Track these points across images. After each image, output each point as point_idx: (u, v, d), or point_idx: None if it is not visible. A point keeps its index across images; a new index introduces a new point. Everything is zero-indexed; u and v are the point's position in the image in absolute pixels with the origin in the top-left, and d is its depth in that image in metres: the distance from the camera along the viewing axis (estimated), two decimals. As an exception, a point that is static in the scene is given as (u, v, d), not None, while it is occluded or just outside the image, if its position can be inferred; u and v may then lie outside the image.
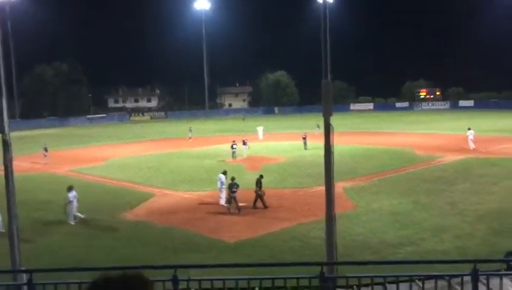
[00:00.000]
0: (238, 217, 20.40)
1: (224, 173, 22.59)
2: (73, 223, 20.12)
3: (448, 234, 17.04)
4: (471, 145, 36.55)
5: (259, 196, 21.56)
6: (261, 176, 22.22)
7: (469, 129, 37.61)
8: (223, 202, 21.94)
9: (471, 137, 37.00)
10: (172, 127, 71.37)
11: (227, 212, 20.92)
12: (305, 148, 39.37)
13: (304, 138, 40.49)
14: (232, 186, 20.99)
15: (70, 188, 20.84)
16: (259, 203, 21.60)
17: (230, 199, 20.97)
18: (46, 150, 38.31)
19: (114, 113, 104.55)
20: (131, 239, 17.91)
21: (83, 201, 24.25)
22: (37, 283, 7.24)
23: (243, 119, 77.77)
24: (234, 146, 36.59)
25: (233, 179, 21.41)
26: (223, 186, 22.12)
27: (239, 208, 20.83)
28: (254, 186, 21.78)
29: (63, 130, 76.45)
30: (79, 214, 20.53)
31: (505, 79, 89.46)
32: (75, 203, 20.46)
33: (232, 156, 36.28)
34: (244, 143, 38.14)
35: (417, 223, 18.41)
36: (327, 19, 10.79)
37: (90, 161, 38.31)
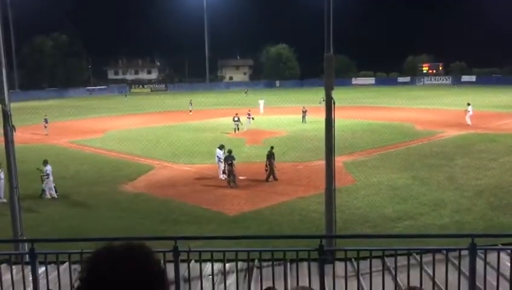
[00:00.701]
0: (238, 190, 20.49)
1: (221, 147, 22.61)
2: (49, 196, 19.82)
3: (447, 208, 17.15)
4: (468, 121, 36.59)
5: (272, 168, 21.67)
6: (272, 148, 22.30)
7: (468, 105, 37.56)
8: (221, 176, 22.13)
9: (470, 113, 36.99)
10: (173, 99, 71.07)
11: (227, 185, 21.01)
12: (304, 122, 39.66)
13: (304, 112, 40.58)
14: (227, 159, 21.03)
15: (45, 162, 20.32)
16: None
17: (229, 172, 21.02)
18: (46, 121, 38.27)
19: (114, 85, 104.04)
20: (131, 211, 18.03)
21: (83, 172, 24.45)
22: (39, 252, 7.32)
23: (246, 93, 77.42)
24: (236, 118, 36.67)
25: (230, 151, 21.42)
26: (221, 160, 22.24)
27: (232, 182, 20.83)
28: (266, 160, 21.82)
29: (63, 101, 76.14)
30: (52, 192, 20.06)
31: (508, 54, 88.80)
32: (51, 178, 20.04)
33: (235, 129, 36.37)
34: (249, 116, 38.25)
35: (416, 198, 18.51)
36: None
37: (90, 132, 38.32)
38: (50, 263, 7.50)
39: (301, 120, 40.30)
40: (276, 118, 43.51)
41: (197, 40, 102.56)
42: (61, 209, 18.42)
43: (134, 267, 1.58)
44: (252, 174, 22.36)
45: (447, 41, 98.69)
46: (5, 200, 17.93)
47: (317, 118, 39.52)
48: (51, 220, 16.88)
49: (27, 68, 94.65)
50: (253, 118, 38.99)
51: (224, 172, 21.71)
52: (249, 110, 39.38)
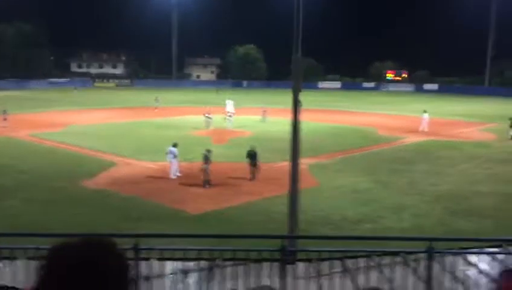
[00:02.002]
0: (202, 189, 20.35)
1: (175, 145, 22.26)
2: None
3: (407, 212, 17.54)
4: (424, 128, 37.47)
5: (255, 167, 21.69)
6: (253, 147, 22.22)
7: (424, 112, 38.56)
8: (172, 175, 21.83)
9: (426, 120, 37.89)
10: (138, 95, 70.15)
11: (190, 183, 20.81)
12: (263, 122, 41.68)
13: (264, 112, 42.89)
14: (204, 158, 20.85)
15: None
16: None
17: (203, 171, 20.79)
18: (5, 112, 37.06)
19: (77, 78, 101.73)
20: (92, 207, 17.64)
21: (42, 167, 23.77)
22: (-7, 247, 7.08)
23: (217, 92, 77.17)
24: (208, 115, 37.49)
25: (209, 151, 21.20)
26: (174, 159, 21.91)
27: (207, 181, 20.67)
28: (248, 159, 21.80)
29: (23, 93, 73.99)
30: None
31: (468, 65, 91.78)
32: None
33: (206, 126, 36.89)
34: (230, 115, 39.11)
35: (377, 201, 18.86)
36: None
37: (50, 126, 37.35)
38: (5, 258, 7.26)
39: (261, 119, 42.17)
40: (243, 118, 43.56)
41: (164, 37, 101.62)
42: (17, 204, 17.85)
43: (93, 263, 1.54)
44: (216, 173, 22.27)
45: (411, 49, 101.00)
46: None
47: (276, 119, 40.70)
48: (7, 215, 16.34)
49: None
50: (229, 116, 39.47)
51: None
52: (230, 111, 40.12)
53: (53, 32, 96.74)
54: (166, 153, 22.27)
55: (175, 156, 21.98)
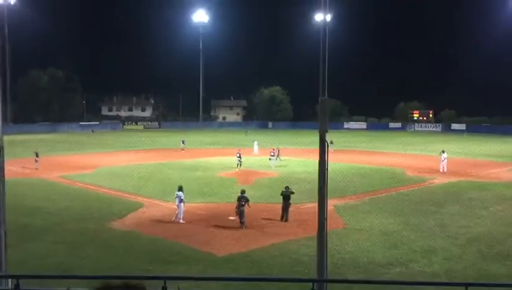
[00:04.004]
0: (228, 230, 20.26)
1: (180, 188, 21.99)
2: None
3: (437, 256, 17.05)
4: (444, 168, 36.69)
5: (287, 208, 21.62)
6: (287, 187, 22.20)
7: (443, 152, 37.86)
8: (178, 218, 21.54)
9: (444, 160, 37.08)
10: (165, 137, 71.24)
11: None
12: (280, 161, 41.41)
13: (278, 150, 42.60)
14: (241, 199, 20.84)
15: None
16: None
17: (240, 212, 20.73)
18: (37, 155, 38.03)
19: (107, 121, 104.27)
20: (119, 249, 17.73)
21: (72, 208, 24.11)
22: (24, 289, 7.15)
23: (246, 133, 77.97)
24: (238, 155, 38.21)
25: (243, 192, 21.23)
26: (182, 203, 21.67)
27: (242, 222, 20.52)
28: (282, 200, 21.79)
29: (55, 136, 75.98)
30: None
31: (496, 104, 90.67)
32: None
33: (238, 165, 37.69)
34: (273, 155, 39.86)
35: (406, 244, 18.42)
36: (326, 37, 10.89)
37: (80, 168, 38.07)
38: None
39: (279, 159, 41.93)
40: (266, 159, 43.61)
41: (191, 80, 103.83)
42: (47, 246, 18.07)
43: None
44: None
45: (437, 89, 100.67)
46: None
47: (288, 157, 42.30)
48: (36, 257, 16.53)
49: (21, 102, 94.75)
50: (272, 155, 39.99)
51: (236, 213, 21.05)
52: (273, 149, 40.69)
53: (85, 78, 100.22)
54: (175, 198, 22.03)
55: (181, 200, 21.76)
